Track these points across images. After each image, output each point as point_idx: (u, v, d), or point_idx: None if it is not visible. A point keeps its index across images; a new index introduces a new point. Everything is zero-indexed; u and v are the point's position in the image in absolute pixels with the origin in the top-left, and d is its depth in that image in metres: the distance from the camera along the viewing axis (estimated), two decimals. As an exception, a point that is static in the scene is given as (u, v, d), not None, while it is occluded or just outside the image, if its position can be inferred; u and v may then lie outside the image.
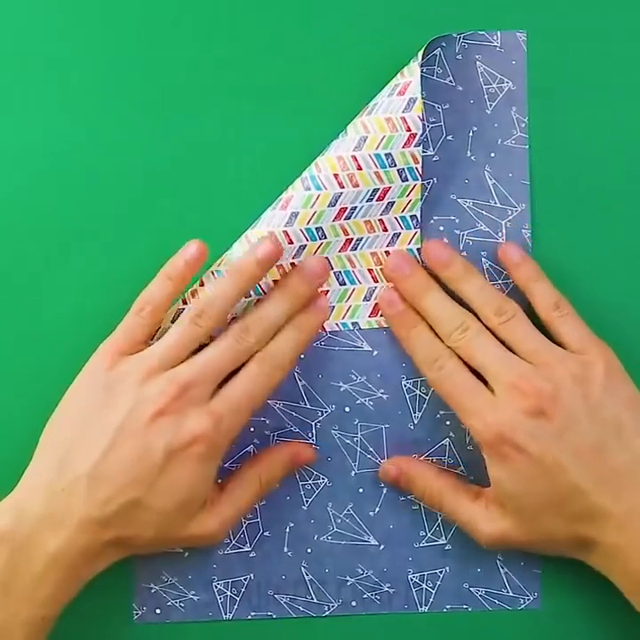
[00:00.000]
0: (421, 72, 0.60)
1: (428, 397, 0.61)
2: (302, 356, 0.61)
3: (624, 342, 0.61)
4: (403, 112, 0.58)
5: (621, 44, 0.62)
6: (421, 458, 0.62)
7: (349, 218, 0.59)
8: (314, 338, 0.60)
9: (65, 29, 0.61)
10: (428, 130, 0.61)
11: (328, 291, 0.61)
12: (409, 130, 0.58)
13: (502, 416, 0.56)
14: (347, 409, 0.62)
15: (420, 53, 0.59)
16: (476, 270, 0.60)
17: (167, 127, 0.61)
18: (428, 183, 0.61)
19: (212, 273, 0.59)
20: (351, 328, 0.61)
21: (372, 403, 0.62)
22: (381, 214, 0.60)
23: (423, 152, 0.61)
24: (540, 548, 0.59)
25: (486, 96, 0.62)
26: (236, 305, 0.58)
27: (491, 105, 0.62)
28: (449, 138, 0.62)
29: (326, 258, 0.60)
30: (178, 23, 0.61)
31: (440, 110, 0.61)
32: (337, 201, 0.58)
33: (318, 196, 0.58)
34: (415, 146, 0.59)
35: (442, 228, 0.62)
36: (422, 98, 0.60)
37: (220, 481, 0.60)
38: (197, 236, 0.59)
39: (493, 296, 0.59)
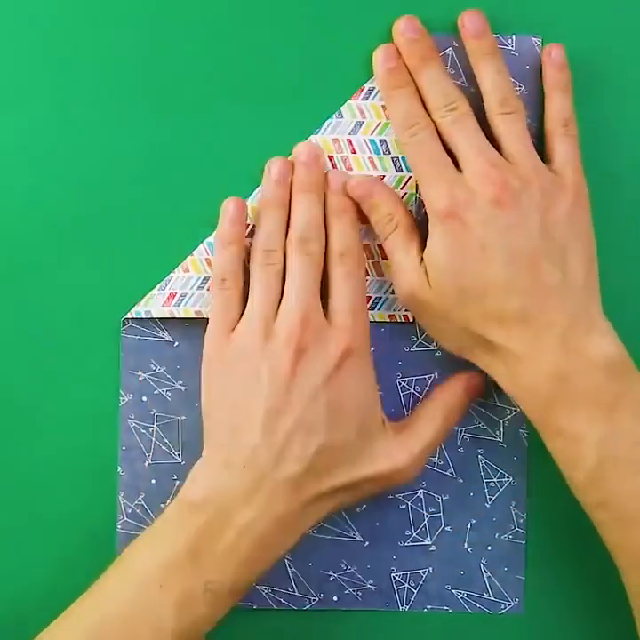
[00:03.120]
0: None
1: (422, 397, 0.61)
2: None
3: (626, 344, 0.61)
4: None
5: (636, 51, 0.62)
6: None
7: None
8: (357, 213, 0.60)
9: (65, 29, 0.61)
10: (437, 129, 0.61)
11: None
12: None
13: (461, 192, 0.56)
14: (340, 403, 0.62)
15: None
16: (501, 54, 0.60)
17: (166, 126, 0.61)
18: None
19: (205, 247, 0.60)
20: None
21: (366, 399, 0.62)
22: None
23: (431, 151, 0.61)
24: (439, 330, 0.59)
25: (499, 99, 0.61)
26: (285, 229, 0.59)
27: (503, 108, 0.61)
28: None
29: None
30: (177, 23, 0.61)
31: (451, 110, 0.61)
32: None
33: None
34: (410, 135, 0.60)
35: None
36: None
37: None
38: (198, 234, 0.60)
39: (506, 85, 0.59)
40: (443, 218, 0.56)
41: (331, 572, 0.62)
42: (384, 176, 0.60)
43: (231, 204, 0.59)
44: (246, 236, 0.59)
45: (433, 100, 0.58)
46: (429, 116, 0.58)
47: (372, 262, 0.61)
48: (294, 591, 0.61)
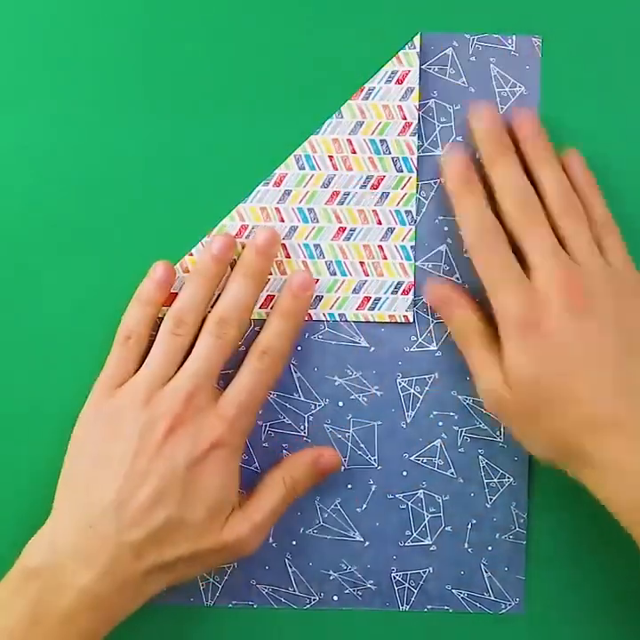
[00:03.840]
0: (433, 71, 0.61)
1: (422, 397, 0.61)
2: (299, 348, 0.61)
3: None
4: (400, 100, 0.60)
5: (636, 53, 0.62)
6: (412, 458, 0.62)
7: (343, 203, 0.60)
8: (303, 321, 0.60)
9: (65, 29, 0.61)
10: (437, 129, 0.61)
11: (318, 280, 0.61)
12: (405, 118, 0.60)
13: (538, 298, 0.55)
14: (340, 403, 0.62)
15: (417, 42, 0.60)
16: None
17: (166, 126, 0.61)
18: (435, 182, 0.61)
19: (203, 246, 0.60)
20: (337, 319, 0.61)
21: (365, 399, 0.62)
22: (375, 205, 0.60)
23: (432, 151, 0.61)
24: (528, 441, 0.57)
25: (498, 99, 0.61)
26: (209, 304, 0.59)
27: (502, 108, 0.61)
28: (459, 139, 0.61)
29: (280, 236, 0.60)
30: (177, 23, 0.61)
31: (451, 111, 0.61)
32: (330, 182, 0.60)
33: (312, 175, 0.60)
34: (410, 135, 0.60)
35: (446, 228, 0.61)
36: (434, 97, 0.61)
37: (243, 492, 0.60)
38: (197, 234, 0.60)
39: (568, 192, 0.58)
40: (519, 326, 0.55)
41: (331, 572, 0.62)
42: (384, 176, 0.60)
43: (160, 268, 0.59)
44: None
45: (507, 197, 0.57)
46: (498, 212, 0.58)
47: (372, 262, 0.61)
48: (295, 590, 0.61)
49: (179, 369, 0.57)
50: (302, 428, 0.62)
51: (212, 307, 0.59)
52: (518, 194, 0.57)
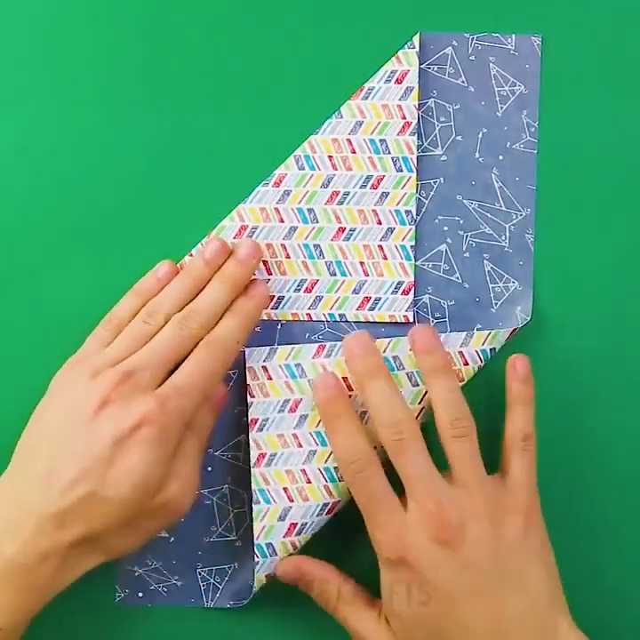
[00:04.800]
0: (432, 71, 0.61)
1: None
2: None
3: (625, 346, 0.61)
4: (399, 100, 0.60)
5: (636, 52, 0.62)
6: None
7: (342, 203, 0.60)
8: (256, 322, 0.60)
9: (65, 29, 0.61)
10: (437, 129, 0.61)
11: (318, 280, 0.61)
12: (404, 117, 0.60)
13: (410, 539, 0.55)
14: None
15: (417, 41, 0.60)
16: (454, 371, 0.59)
17: (166, 126, 0.61)
18: (435, 182, 0.61)
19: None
20: (338, 319, 0.61)
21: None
22: (375, 205, 0.61)
23: (431, 151, 0.61)
24: None
25: (498, 98, 0.61)
26: (187, 303, 0.59)
27: (502, 107, 0.62)
28: (458, 138, 0.62)
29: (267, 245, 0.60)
30: (177, 23, 0.61)
31: (451, 110, 0.61)
32: (330, 182, 0.60)
33: (312, 175, 0.60)
34: (410, 135, 0.60)
35: (446, 228, 0.61)
36: (434, 96, 0.61)
37: (209, 469, 0.60)
38: (198, 233, 0.60)
39: (458, 404, 0.57)
40: (392, 564, 0.55)
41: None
42: (384, 176, 0.60)
43: (165, 266, 0.60)
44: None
45: (380, 418, 0.57)
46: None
47: (372, 262, 0.61)
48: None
49: None
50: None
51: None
52: (390, 417, 0.57)
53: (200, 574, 0.62)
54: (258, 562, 0.59)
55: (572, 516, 0.60)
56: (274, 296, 0.61)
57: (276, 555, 0.59)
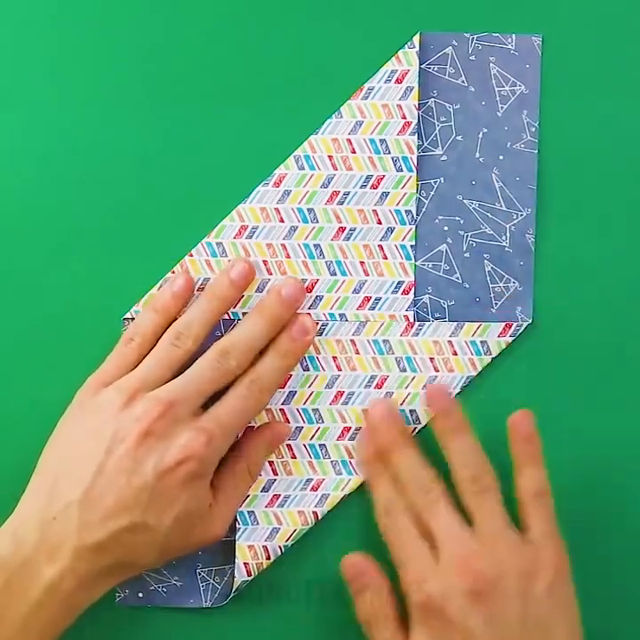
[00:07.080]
0: (432, 70, 0.61)
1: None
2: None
3: (625, 345, 0.61)
4: (399, 100, 0.60)
5: (636, 52, 0.62)
6: None
7: (342, 203, 0.60)
8: (299, 361, 0.60)
9: (64, 29, 0.61)
10: (437, 129, 0.61)
11: (318, 280, 0.61)
12: (404, 117, 0.60)
13: (440, 585, 0.55)
14: (340, 404, 0.62)
15: (417, 41, 0.60)
16: (470, 429, 0.59)
17: (166, 126, 0.61)
18: (435, 182, 0.61)
19: (203, 246, 0.60)
20: (338, 319, 0.61)
21: (365, 399, 0.62)
22: (375, 205, 0.61)
23: (431, 151, 0.61)
24: None
25: (498, 98, 0.61)
26: (215, 324, 0.59)
27: (502, 107, 0.62)
28: (458, 138, 0.62)
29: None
30: (177, 23, 0.61)
31: (451, 110, 0.61)
32: (330, 182, 0.60)
33: (312, 175, 0.60)
34: (410, 134, 0.60)
35: (446, 228, 0.62)
36: (434, 96, 0.61)
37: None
38: (197, 235, 0.60)
39: (477, 462, 0.58)
40: (423, 611, 0.56)
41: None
42: (384, 175, 0.60)
43: (181, 280, 0.59)
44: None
45: (407, 483, 0.58)
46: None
47: (372, 262, 0.61)
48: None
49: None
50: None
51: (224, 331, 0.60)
52: (416, 480, 0.58)
53: (200, 574, 0.62)
54: (239, 528, 0.60)
55: (573, 516, 0.60)
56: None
57: (258, 523, 0.60)
